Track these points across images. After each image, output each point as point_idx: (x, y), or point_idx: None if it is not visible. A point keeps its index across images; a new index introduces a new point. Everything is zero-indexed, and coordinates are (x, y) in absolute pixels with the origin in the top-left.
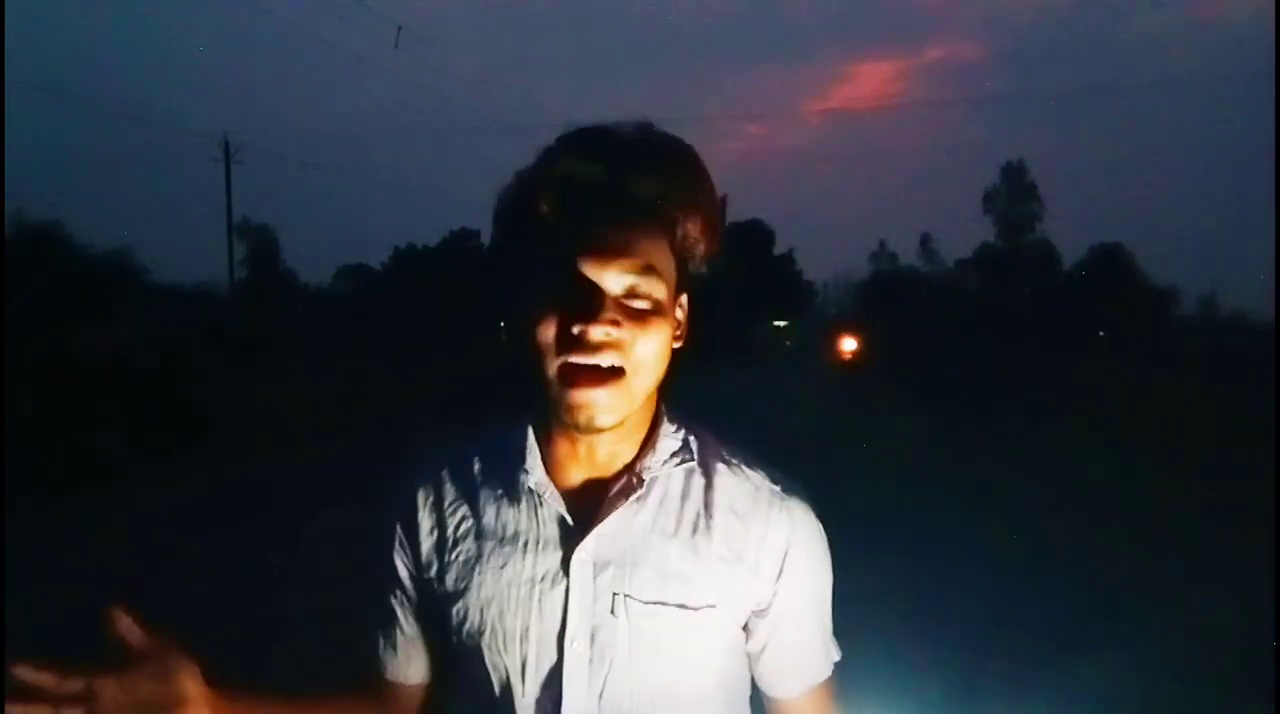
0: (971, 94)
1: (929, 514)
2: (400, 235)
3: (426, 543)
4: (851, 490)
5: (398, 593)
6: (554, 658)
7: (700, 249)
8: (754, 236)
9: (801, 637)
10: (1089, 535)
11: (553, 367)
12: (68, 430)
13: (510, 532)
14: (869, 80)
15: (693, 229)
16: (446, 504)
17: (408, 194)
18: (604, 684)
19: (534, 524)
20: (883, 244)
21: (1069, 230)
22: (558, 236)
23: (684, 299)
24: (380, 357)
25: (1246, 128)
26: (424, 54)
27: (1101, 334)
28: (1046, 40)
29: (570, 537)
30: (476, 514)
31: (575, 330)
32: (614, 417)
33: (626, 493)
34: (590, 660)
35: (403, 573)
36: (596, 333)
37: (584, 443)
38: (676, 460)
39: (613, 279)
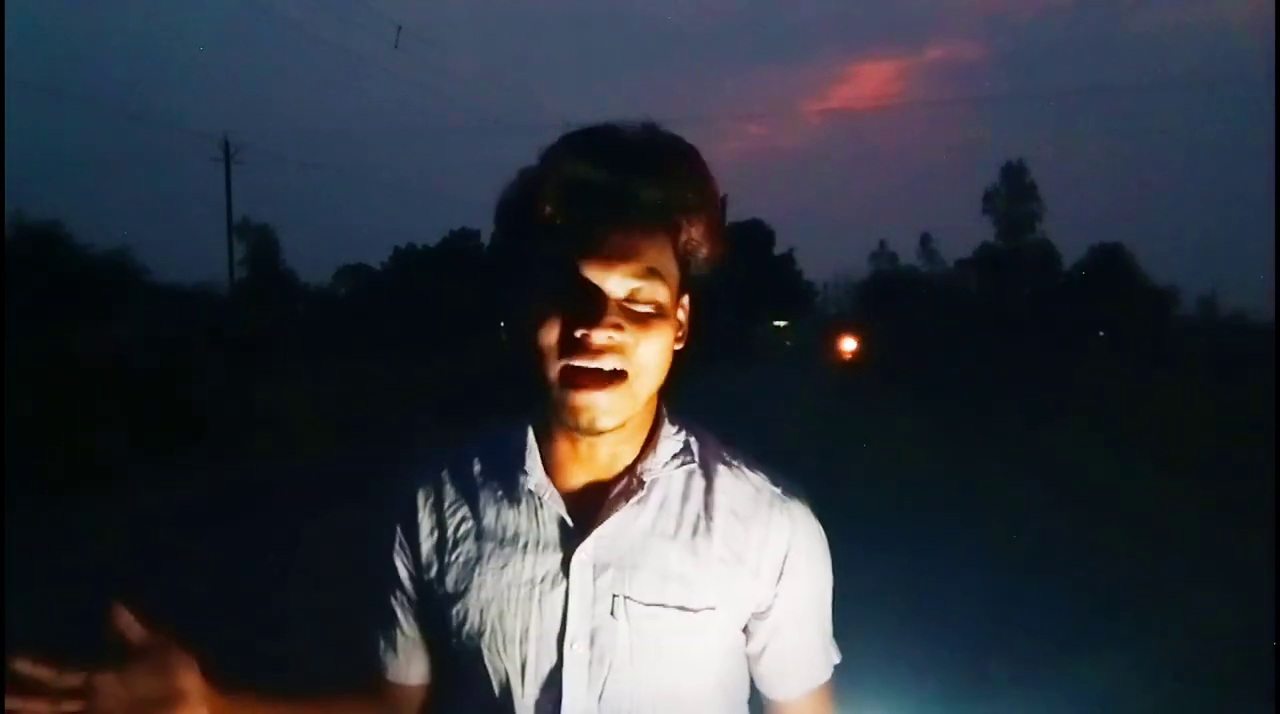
0: (971, 94)
1: (929, 514)
2: (400, 235)
3: (427, 544)
4: (851, 490)
5: (398, 594)
6: (554, 659)
7: (703, 252)
8: (754, 236)
9: (801, 639)
10: (1089, 535)
11: (554, 369)
12: (68, 430)
13: (510, 533)
14: (869, 80)
15: (696, 232)
16: (447, 505)
17: (407, 194)
18: (603, 686)
19: (534, 525)
20: (883, 244)
21: (1069, 230)
22: (561, 238)
23: (685, 301)
24: (380, 356)
25: (1246, 128)
26: (424, 54)
27: (1101, 334)
28: (1046, 40)
29: (570, 538)
30: (476, 515)
31: (578, 334)
32: (615, 419)
33: (627, 495)
34: (590, 662)
35: (403, 574)
36: (599, 337)
37: (584, 444)
38: (677, 462)
39: (616, 282)
